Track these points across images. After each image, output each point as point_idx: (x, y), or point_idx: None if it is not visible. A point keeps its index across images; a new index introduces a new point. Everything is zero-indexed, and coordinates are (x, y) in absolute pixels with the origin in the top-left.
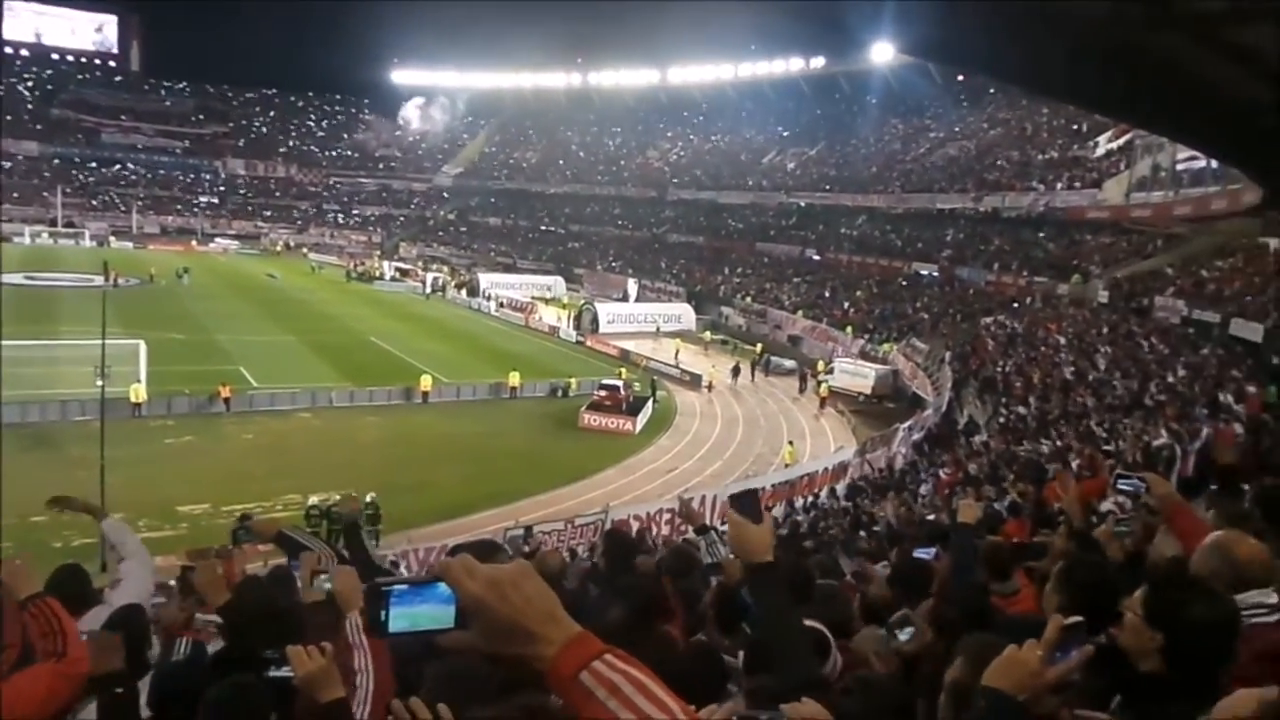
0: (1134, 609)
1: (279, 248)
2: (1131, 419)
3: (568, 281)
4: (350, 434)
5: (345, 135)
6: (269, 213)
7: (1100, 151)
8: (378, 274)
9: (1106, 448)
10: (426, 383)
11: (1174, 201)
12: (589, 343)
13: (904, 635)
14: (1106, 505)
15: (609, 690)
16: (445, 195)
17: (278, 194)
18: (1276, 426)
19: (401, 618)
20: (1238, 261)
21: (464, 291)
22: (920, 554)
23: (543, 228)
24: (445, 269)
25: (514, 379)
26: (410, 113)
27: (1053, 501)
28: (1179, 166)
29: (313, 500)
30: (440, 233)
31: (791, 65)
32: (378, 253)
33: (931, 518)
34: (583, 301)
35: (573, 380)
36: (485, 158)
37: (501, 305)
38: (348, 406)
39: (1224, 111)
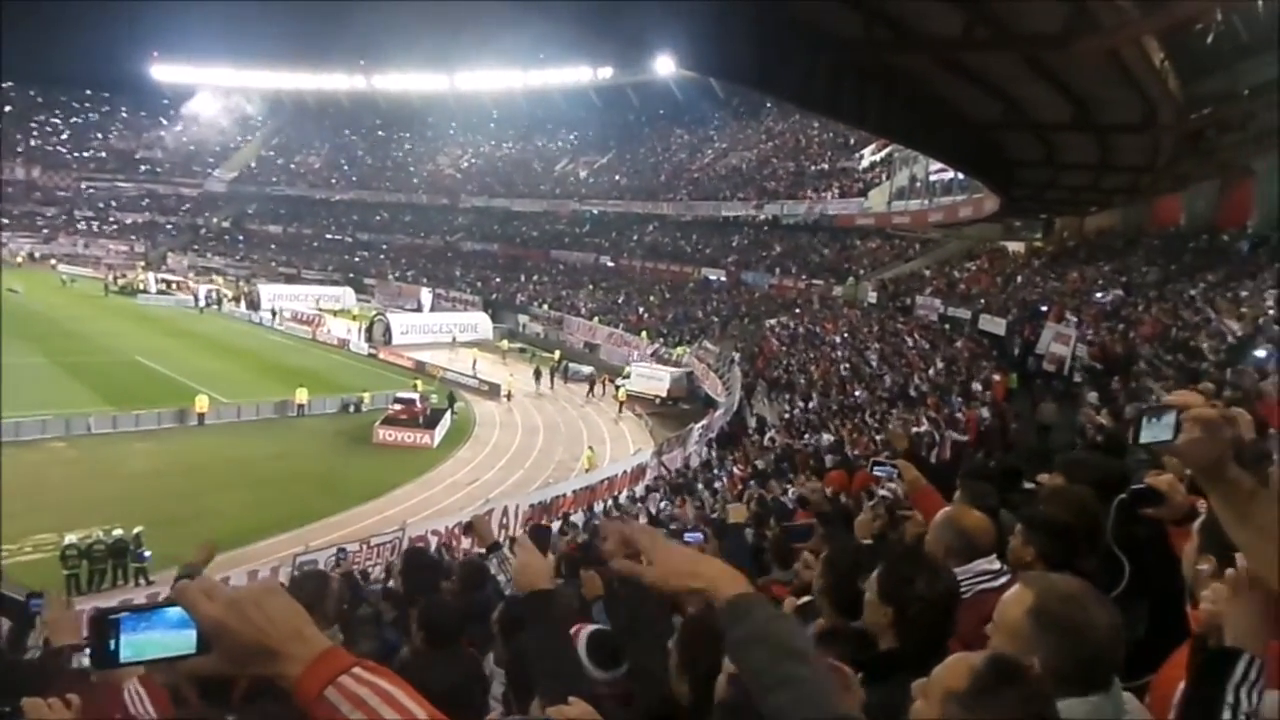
0: (870, 588)
1: (20, 259)
2: (899, 409)
3: (357, 292)
4: (115, 464)
5: (98, 135)
6: (7, 220)
7: (865, 163)
8: (141, 287)
9: (876, 436)
10: (203, 403)
11: (928, 210)
12: (382, 355)
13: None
14: (883, 490)
15: (354, 704)
16: (218, 202)
17: (17, 199)
18: (1018, 409)
19: (133, 646)
20: (983, 263)
21: (243, 304)
22: (689, 538)
23: (328, 236)
24: (221, 280)
25: (301, 395)
26: (177, 112)
27: (838, 491)
28: (931, 177)
29: (70, 539)
30: (214, 242)
31: (580, 75)
32: (141, 264)
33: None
34: (374, 312)
35: (366, 394)
36: (263, 162)
37: (286, 318)
38: (110, 434)
39: (963, 128)
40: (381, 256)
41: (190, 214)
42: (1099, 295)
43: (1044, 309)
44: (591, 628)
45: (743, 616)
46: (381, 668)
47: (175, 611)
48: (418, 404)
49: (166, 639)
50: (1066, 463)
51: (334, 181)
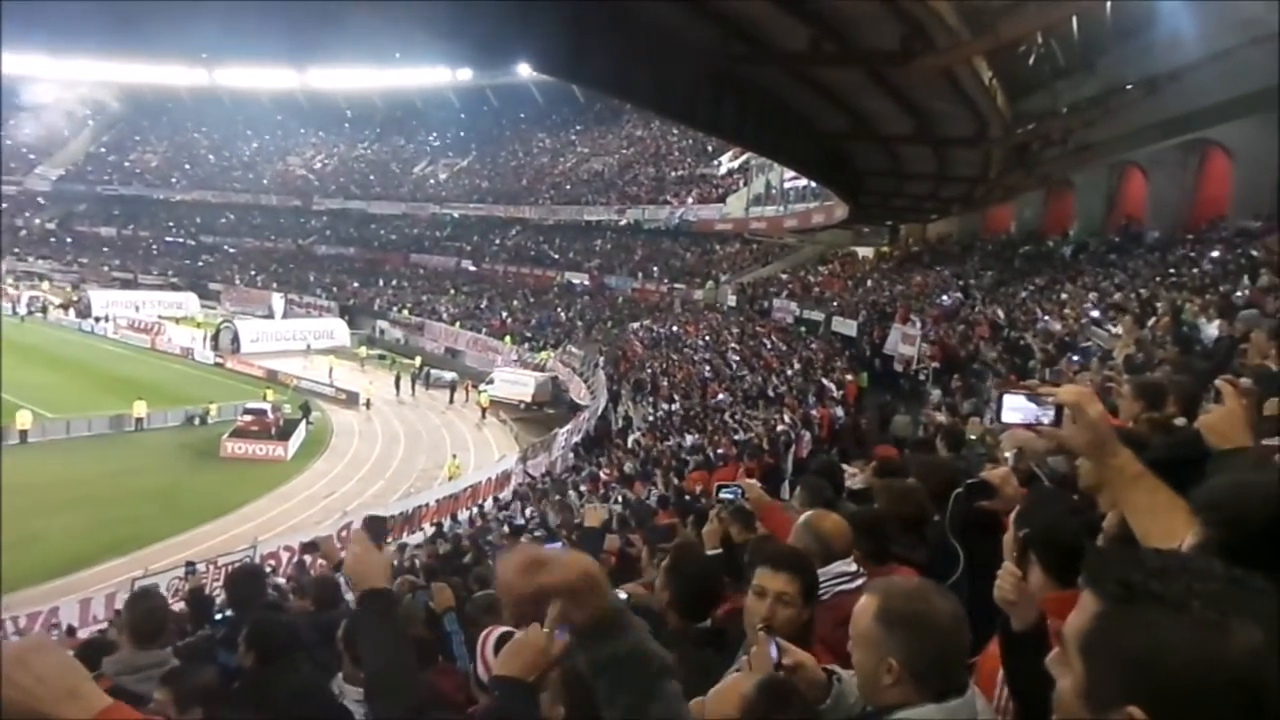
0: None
1: None
2: (758, 409)
3: (201, 298)
4: None
5: None
6: None
7: (723, 170)
8: None
9: (737, 437)
10: (25, 420)
11: (783, 216)
12: (230, 364)
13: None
14: (725, 494)
15: None
16: (41, 201)
17: None
18: (870, 406)
19: None
20: (835, 268)
21: (71, 312)
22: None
23: (169, 239)
24: (46, 286)
25: (139, 409)
26: None
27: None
28: (786, 185)
29: None
30: (37, 244)
31: (438, 76)
32: None
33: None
34: (220, 319)
35: (212, 406)
36: (93, 159)
37: (121, 326)
38: None
39: (814, 138)
40: (228, 260)
41: (9, 214)
42: (942, 298)
43: (890, 311)
44: (501, 629)
45: (602, 637)
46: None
47: None
48: (269, 415)
49: None
50: (912, 462)
51: (174, 180)
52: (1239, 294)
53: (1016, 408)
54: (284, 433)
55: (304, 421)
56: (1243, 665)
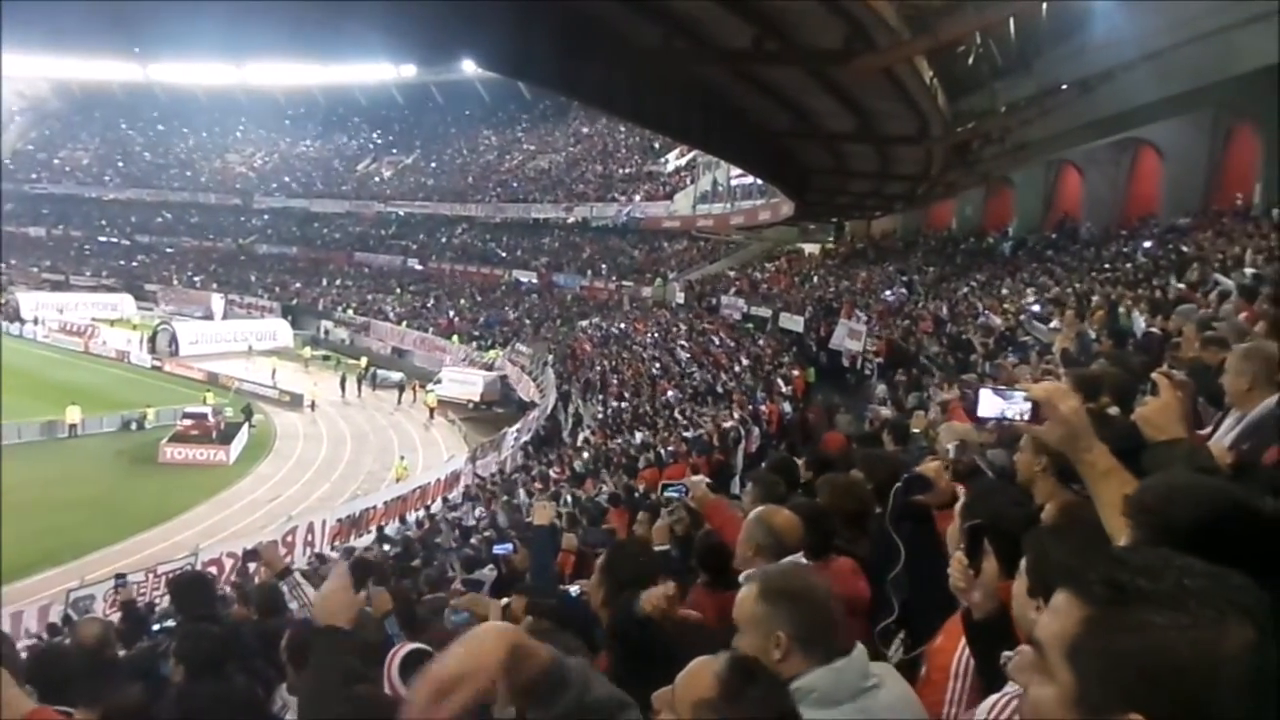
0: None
1: None
2: (708, 406)
3: (138, 299)
4: None
5: None
6: None
7: (670, 167)
8: None
9: (687, 434)
10: None
11: (730, 213)
12: (168, 367)
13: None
14: (671, 493)
15: None
16: None
17: None
18: (819, 402)
19: None
20: (782, 264)
21: None
22: (498, 549)
23: (102, 239)
24: None
25: (73, 414)
26: None
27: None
28: (733, 182)
29: None
30: None
31: (382, 72)
32: None
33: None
34: (158, 321)
35: (150, 410)
36: (19, 156)
37: (52, 329)
38: None
39: (759, 136)
40: (165, 260)
41: None
42: (886, 294)
43: (837, 306)
44: (409, 647)
45: (542, 701)
46: None
47: None
48: (210, 418)
49: None
50: (858, 458)
51: (108, 179)
52: (1174, 289)
53: (993, 403)
54: (226, 436)
55: (246, 424)
56: (1243, 663)
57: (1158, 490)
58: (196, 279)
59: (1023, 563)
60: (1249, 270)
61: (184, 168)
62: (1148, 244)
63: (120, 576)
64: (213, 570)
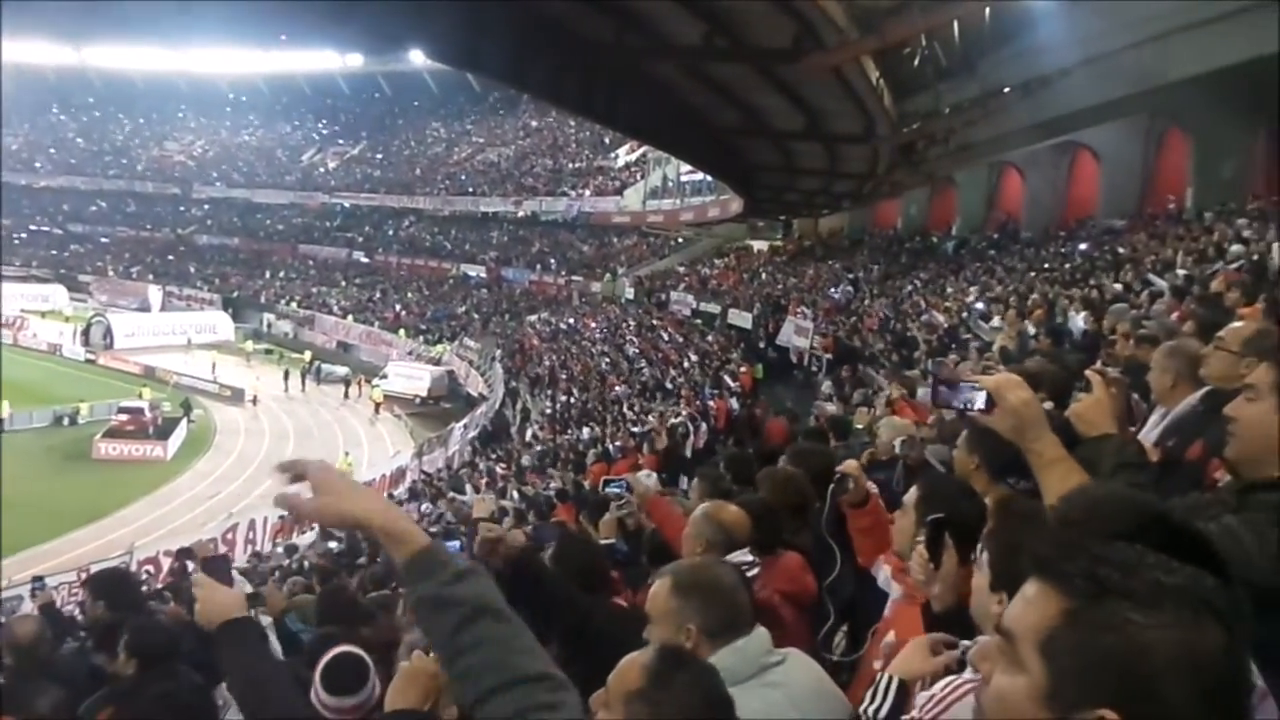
0: None
1: None
2: (656, 401)
3: (70, 290)
4: None
5: None
6: None
7: (621, 162)
8: None
9: (635, 429)
10: None
11: (680, 209)
12: (103, 360)
13: None
14: (612, 489)
15: None
16: None
17: None
18: (766, 398)
19: None
20: (731, 261)
21: None
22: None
23: (32, 228)
24: None
25: (1, 409)
26: None
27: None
28: (683, 178)
29: None
30: None
31: (328, 61)
32: None
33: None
34: (92, 313)
35: (83, 405)
36: None
37: None
38: None
39: (708, 132)
40: (100, 250)
41: None
42: (832, 291)
43: (785, 303)
44: (340, 649)
45: (423, 575)
46: None
47: None
48: (146, 413)
49: None
50: (792, 452)
51: (38, 166)
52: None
53: (950, 395)
54: (163, 432)
55: (185, 420)
56: (1219, 664)
57: (1083, 501)
58: (133, 270)
59: (983, 556)
60: (1180, 271)
61: (120, 155)
62: (1083, 245)
63: (39, 579)
64: (149, 569)
